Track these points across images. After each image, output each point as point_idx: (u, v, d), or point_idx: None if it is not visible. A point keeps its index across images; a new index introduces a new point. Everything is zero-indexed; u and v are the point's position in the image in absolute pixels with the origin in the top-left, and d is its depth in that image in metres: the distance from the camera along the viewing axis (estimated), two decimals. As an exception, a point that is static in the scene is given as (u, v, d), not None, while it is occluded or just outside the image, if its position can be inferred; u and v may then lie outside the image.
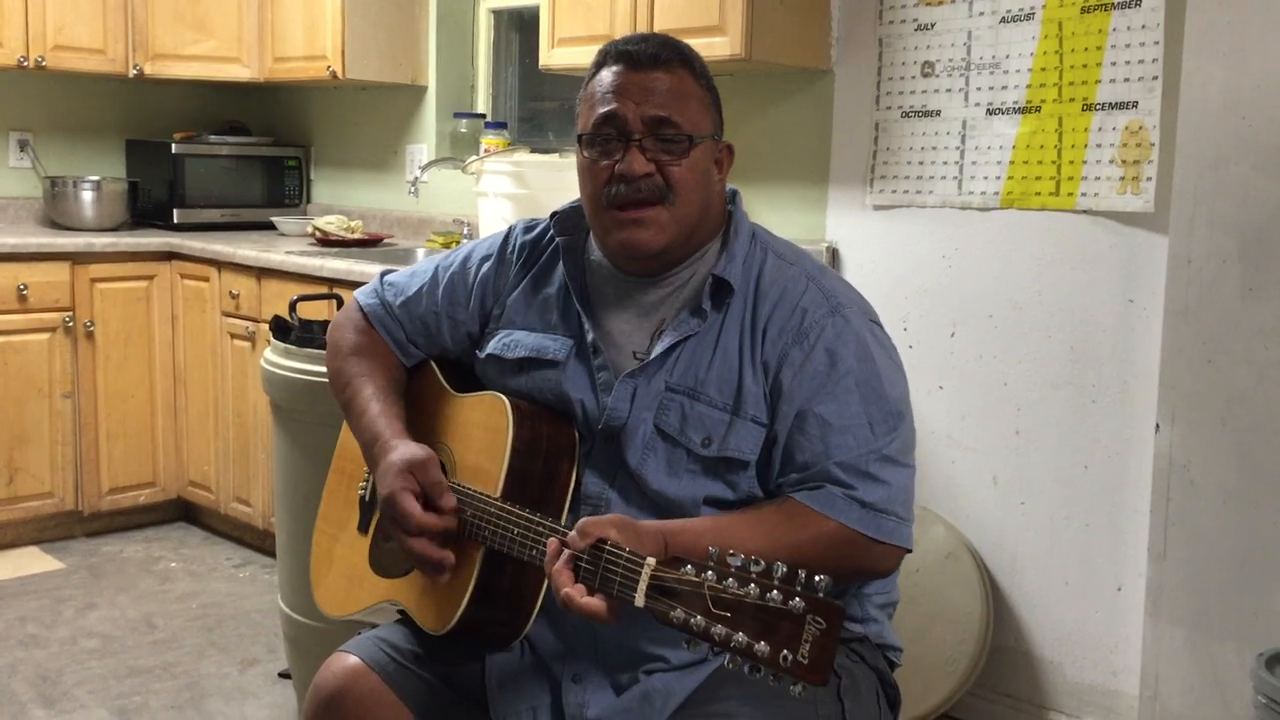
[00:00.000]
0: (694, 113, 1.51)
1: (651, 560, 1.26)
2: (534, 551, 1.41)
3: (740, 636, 1.17)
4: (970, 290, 2.80)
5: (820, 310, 1.51)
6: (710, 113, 1.55)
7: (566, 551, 1.33)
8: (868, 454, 1.45)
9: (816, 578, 1.17)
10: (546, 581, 1.46)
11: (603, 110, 1.51)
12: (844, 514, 1.43)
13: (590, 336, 1.57)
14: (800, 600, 1.15)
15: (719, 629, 1.18)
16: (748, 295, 1.54)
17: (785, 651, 1.15)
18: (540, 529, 1.42)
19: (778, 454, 1.49)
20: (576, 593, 1.30)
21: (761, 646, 1.16)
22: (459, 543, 1.52)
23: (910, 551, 1.50)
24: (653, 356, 1.53)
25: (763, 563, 1.20)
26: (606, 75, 1.53)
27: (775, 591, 1.17)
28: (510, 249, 1.71)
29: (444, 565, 1.48)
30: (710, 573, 1.21)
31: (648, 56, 1.51)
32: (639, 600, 1.25)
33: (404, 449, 1.53)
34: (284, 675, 2.94)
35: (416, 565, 1.51)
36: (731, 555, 1.21)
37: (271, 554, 3.51)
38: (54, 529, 3.98)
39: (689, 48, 1.57)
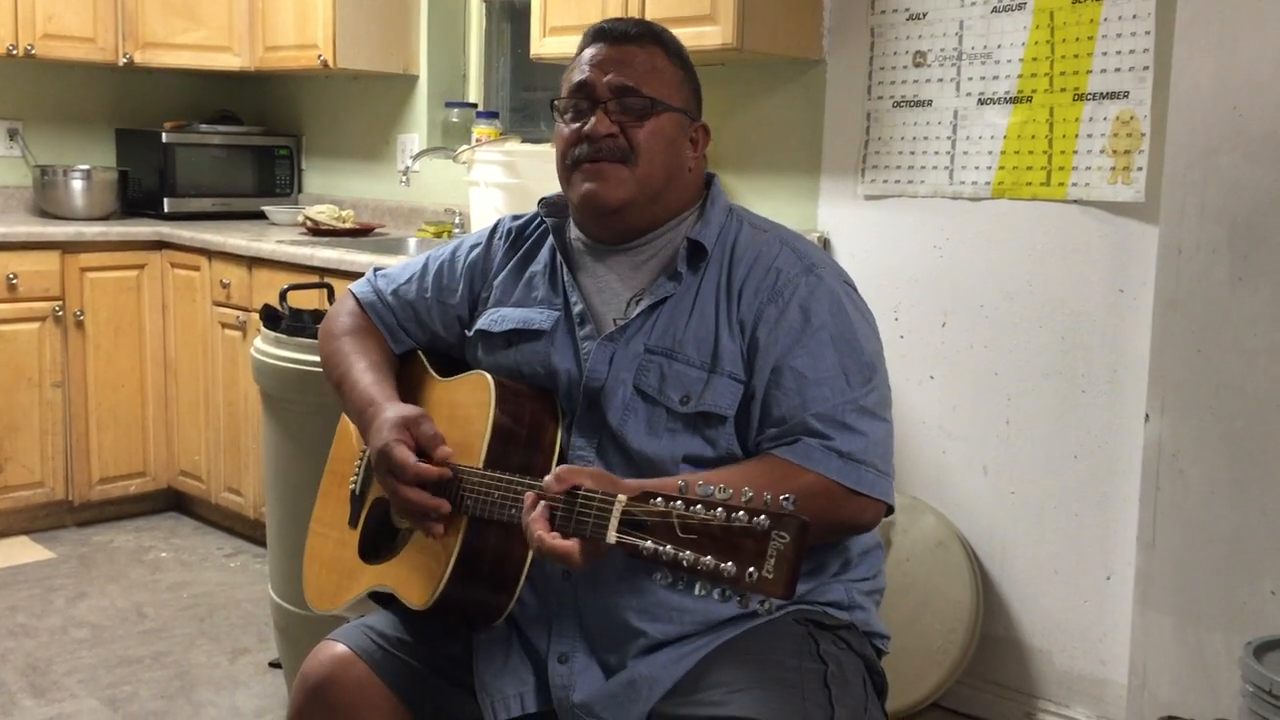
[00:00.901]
0: (661, 85, 1.60)
1: (622, 497, 1.29)
2: (513, 512, 1.43)
3: (707, 559, 1.19)
4: (961, 280, 2.80)
5: (794, 269, 1.55)
6: (682, 90, 1.63)
7: (542, 503, 1.35)
8: (844, 404, 1.48)
9: (782, 496, 1.18)
10: (530, 555, 1.48)
11: (576, 80, 1.61)
12: (821, 464, 1.45)
13: (579, 307, 1.61)
14: (764, 517, 1.17)
15: (687, 554, 1.20)
16: (723, 260, 1.58)
17: (751, 568, 1.16)
18: (520, 488, 1.43)
19: (756, 410, 1.51)
20: (549, 536, 1.32)
21: (728, 566, 1.17)
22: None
23: (892, 510, 1.51)
24: (630, 319, 1.57)
25: (730, 489, 1.22)
26: (586, 51, 1.63)
27: (740, 512, 1.19)
28: (498, 236, 1.77)
29: (438, 511, 1.49)
30: (679, 502, 1.23)
31: (620, 33, 1.62)
32: (610, 536, 1.27)
33: (397, 407, 1.57)
34: (274, 665, 2.94)
35: (410, 517, 1.53)
36: (701, 485, 1.24)
37: (262, 544, 3.51)
38: (44, 519, 3.97)
39: (665, 30, 1.66)
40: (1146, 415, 2.35)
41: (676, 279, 1.57)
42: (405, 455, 1.50)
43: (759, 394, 1.51)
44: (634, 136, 1.56)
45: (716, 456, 1.52)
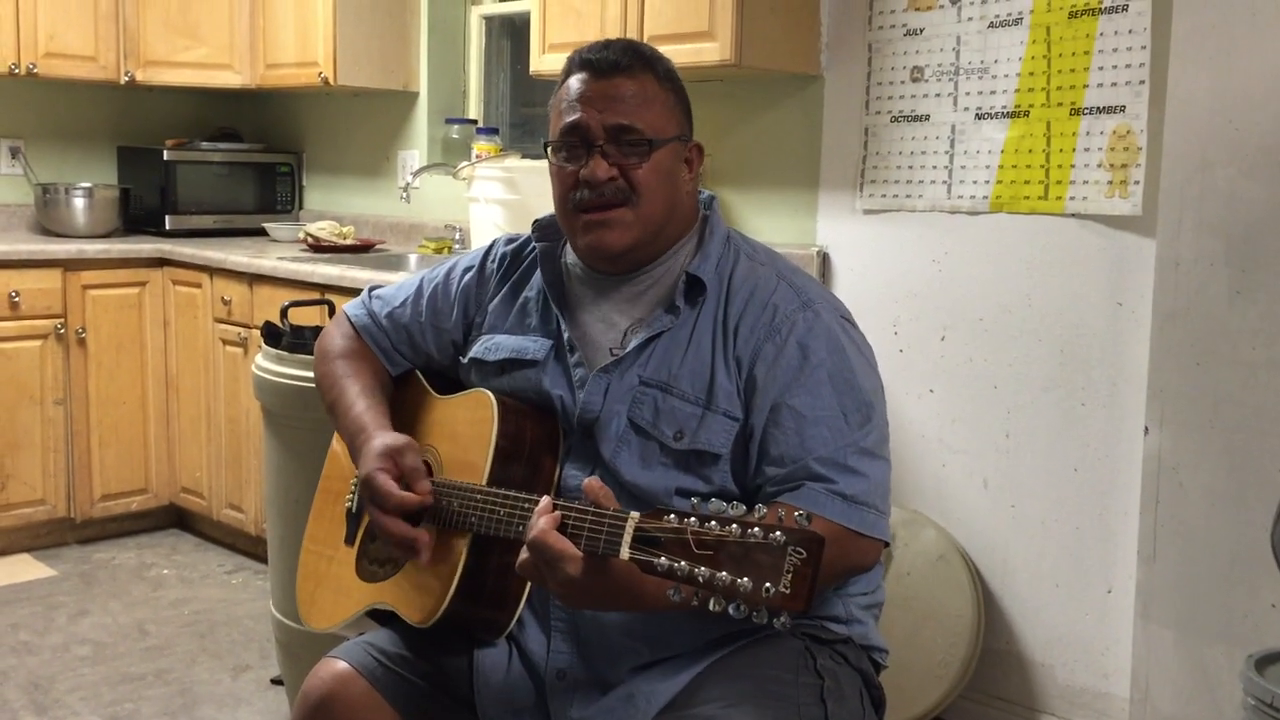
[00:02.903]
0: (656, 116, 1.56)
1: (635, 514, 1.29)
2: (520, 528, 1.43)
3: (723, 574, 1.19)
4: (960, 294, 2.81)
5: (791, 306, 1.54)
6: (675, 114, 1.60)
7: (558, 512, 1.35)
8: (845, 447, 1.48)
9: (797, 512, 1.19)
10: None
11: (568, 119, 1.56)
12: (827, 509, 1.44)
13: (566, 335, 1.60)
14: (780, 533, 1.17)
15: (702, 570, 1.20)
16: (720, 294, 1.57)
17: (768, 584, 1.16)
18: (527, 506, 1.43)
19: (754, 448, 1.51)
20: (553, 534, 1.32)
21: (744, 582, 1.17)
22: (445, 535, 1.53)
23: (888, 544, 1.52)
24: (626, 351, 1.56)
25: (742, 505, 1.22)
26: (573, 83, 1.58)
27: (756, 528, 1.19)
28: (492, 259, 1.76)
29: (418, 544, 1.51)
30: (693, 518, 1.23)
31: (609, 64, 1.56)
32: (623, 553, 1.27)
33: (386, 436, 1.58)
34: (276, 681, 2.94)
35: (392, 544, 1.54)
36: (714, 501, 1.24)
37: (263, 560, 3.51)
38: (46, 536, 3.97)
39: (653, 51, 1.62)
40: (1146, 428, 2.35)
41: (674, 312, 1.56)
42: (387, 484, 1.51)
43: (757, 432, 1.50)
44: (634, 178, 1.54)
45: (710, 492, 1.52)
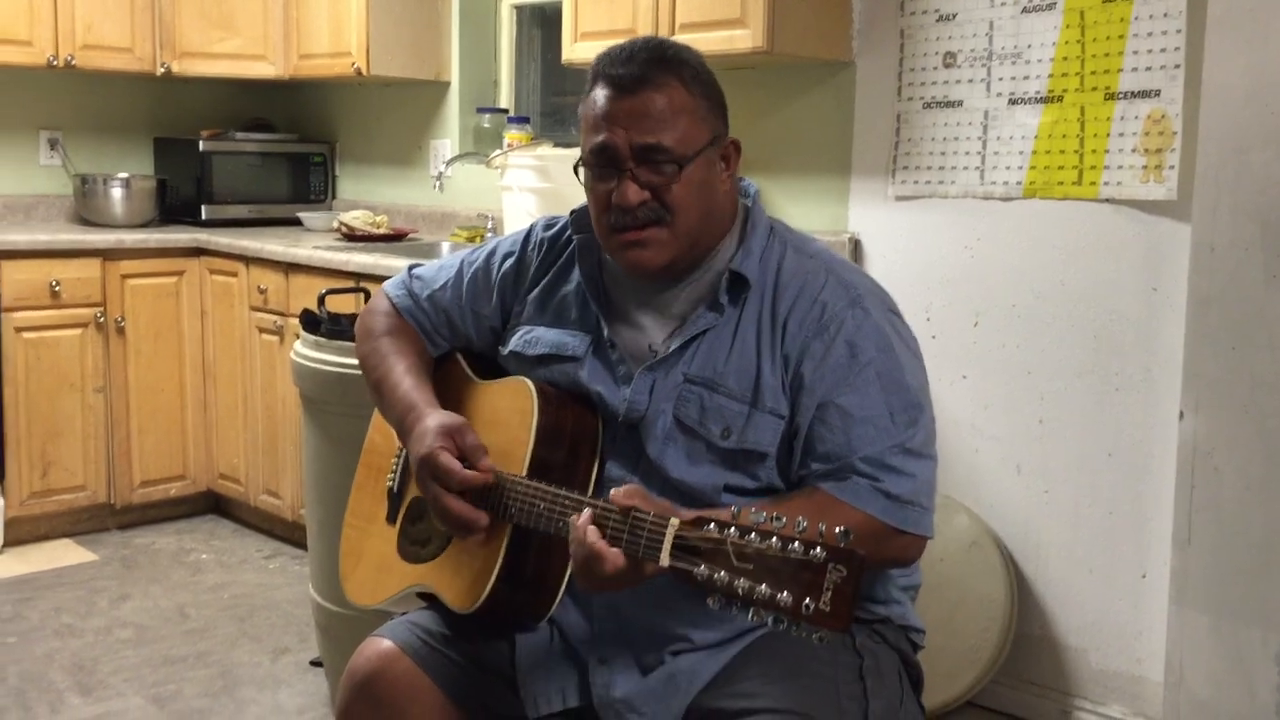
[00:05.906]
0: (686, 128, 1.50)
1: (675, 520, 1.29)
2: (561, 525, 1.44)
3: (763, 588, 1.19)
4: (993, 280, 2.81)
5: (840, 302, 1.53)
6: (707, 119, 1.54)
7: (592, 514, 1.36)
8: (891, 447, 1.47)
9: (838, 528, 1.19)
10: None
11: (595, 140, 1.52)
12: (870, 505, 1.45)
13: (606, 333, 1.60)
14: (821, 549, 1.18)
15: (742, 582, 1.21)
16: (765, 289, 1.56)
17: (807, 600, 1.17)
18: (567, 503, 1.44)
19: (799, 445, 1.51)
20: (598, 540, 1.33)
21: (784, 596, 1.18)
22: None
23: (930, 538, 1.52)
24: (670, 351, 1.55)
25: (784, 517, 1.22)
26: (598, 98, 1.53)
27: (796, 543, 1.19)
28: (531, 246, 1.75)
29: (478, 525, 1.50)
30: (733, 529, 1.24)
31: (632, 79, 1.50)
32: (664, 560, 1.28)
33: (439, 415, 1.58)
34: (315, 663, 2.98)
35: (450, 526, 1.54)
36: (754, 511, 1.24)
37: (300, 545, 3.55)
38: (87, 521, 4.03)
39: (678, 51, 1.55)
40: (1181, 413, 2.35)
41: (718, 309, 1.55)
42: (451, 463, 1.51)
43: (803, 430, 1.50)
44: (668, 198, 1.50)
45: (758, 488, 1.52)
